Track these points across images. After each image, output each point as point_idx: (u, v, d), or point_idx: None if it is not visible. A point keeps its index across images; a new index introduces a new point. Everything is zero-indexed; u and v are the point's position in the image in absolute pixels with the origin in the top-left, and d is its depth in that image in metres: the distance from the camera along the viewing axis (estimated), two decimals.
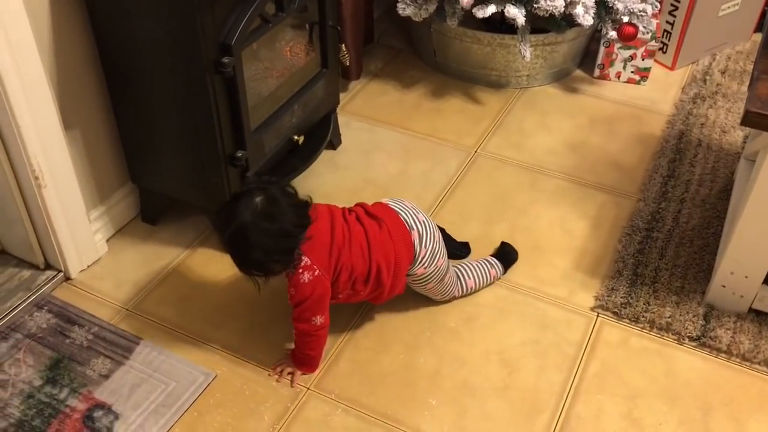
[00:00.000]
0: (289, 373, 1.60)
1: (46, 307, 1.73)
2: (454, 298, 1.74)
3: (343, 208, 1.61)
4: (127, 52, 1.63)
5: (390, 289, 1.59)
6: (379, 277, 1.55)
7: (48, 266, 1.81)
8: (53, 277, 1.79)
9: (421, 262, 1.59)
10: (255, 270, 1.48)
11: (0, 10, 1.43)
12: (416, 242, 1.57)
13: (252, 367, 1.62)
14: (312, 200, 1.52)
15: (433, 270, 1.62)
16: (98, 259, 1.86)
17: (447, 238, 1.82)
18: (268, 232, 1.42)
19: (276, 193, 1.46)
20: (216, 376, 1.60)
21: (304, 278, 1.48)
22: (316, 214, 1.51)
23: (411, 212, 1.61)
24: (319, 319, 1.53)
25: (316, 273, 1.48)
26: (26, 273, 1.79)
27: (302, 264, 1.47)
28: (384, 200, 1.65)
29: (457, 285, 1.72)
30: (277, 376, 1.60)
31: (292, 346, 1.61)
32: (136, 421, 1.50)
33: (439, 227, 1.68)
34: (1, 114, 1.54)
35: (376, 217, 1.58)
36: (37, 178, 1.63)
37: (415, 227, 1.58)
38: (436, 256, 1.61)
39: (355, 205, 1.64)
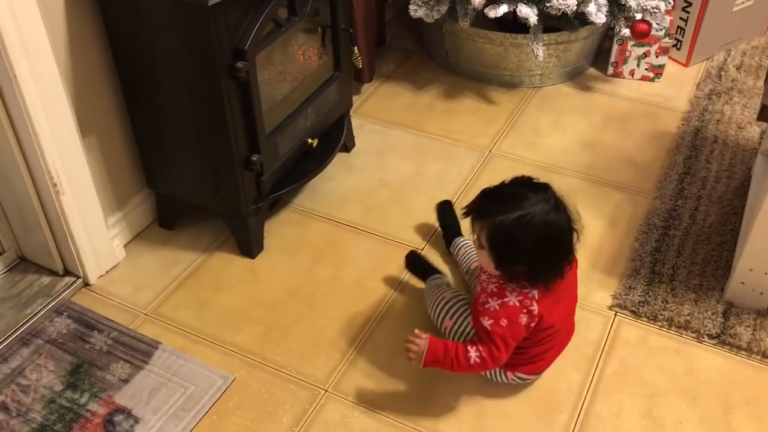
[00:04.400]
0: (414, 353, 1.42)
1: (65, 313, 1.74)
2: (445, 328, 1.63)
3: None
4: (142, 58, 1.64)
5: (502, 360, 1.45)
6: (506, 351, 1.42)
7: (67, 272, 1.82)
8: (72, 283, 1.80)
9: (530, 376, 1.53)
10: (503, 259, 1.36)
11: (16, 17, 1.44)
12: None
13: (270, 370, 1.63)
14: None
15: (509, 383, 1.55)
16: (116, 264, 1.88)
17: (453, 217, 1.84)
18: (552, 232, 1.34)
19: (562, 200, 1.37)
20: (234, 380, 1.60)
21: (522, 320, 1.37)
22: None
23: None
24: (503, 359, 1.41)
25: (532, 324, 1.39)
26: (46, 279, 1.81)
27: (530, 308, 1.37)
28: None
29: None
30: (407, 346, 1.43)
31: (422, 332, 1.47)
32: (156, 425, 1.51)
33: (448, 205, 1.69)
34: (19, 121, 1.56)
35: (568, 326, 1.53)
36: (55, 185, 1.65)
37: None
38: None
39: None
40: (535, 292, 1.39)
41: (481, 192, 1.42)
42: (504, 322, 1.38)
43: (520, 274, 1.37)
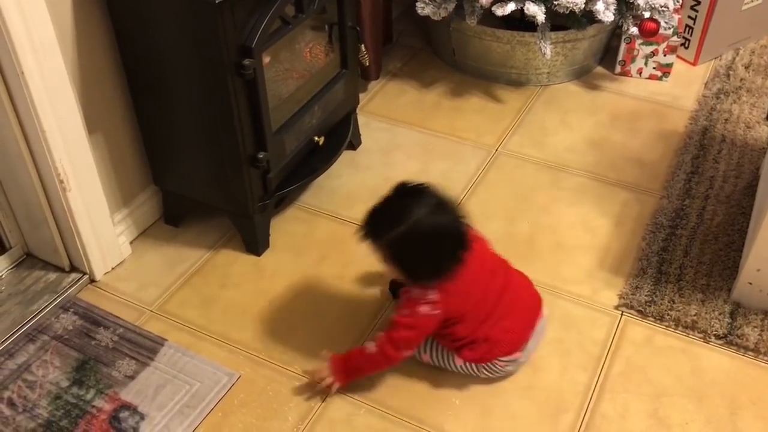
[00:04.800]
0: (327, 385, 1.53)
1: (71, 309, 1.75)
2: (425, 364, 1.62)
3: (495, 254, 1.55)
4: (149, 56, 1.64)
5: (468, 358, 1.52)
6: (462, 347, 1.50)
7: (73, 268, 1.83)
8: (78, 280, 1.81)
9: (488, 360, 1.52)
10: (409, 269, 1.43)
11: (24, 13, 1.44)
12: (509, 357, 1.51)
13: (276, 367, 1.63)
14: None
15: (475, 370, 1.54)
16: (122, 261, 1.88)
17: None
18: (442, 233, 1.39)
19: (444, 197, 1.42)
20: (240, 377, 1.60)
21: (422, 310, 1.43)
22: (473, 243, 1.44)
23: (536, 342, 1.56)
24: (407, 353, 1.49)
25: (435, 312, 1.43)
26: (52, 275, 1.82)
27: (429, 298, 1.42)
28: (543, 313, 1.58)
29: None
30: (316, 383, 1.55)
31: (328, 352, 1.56)
32: (162, 422, 1.52)
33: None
34: (26, 117, 1.56)
35: (526, 308, 1.53)
36: (61, 182, 1.65)
37: (524, 353, 1.53)
38: (493, 372, 1.54)
39: (524, 276, 1.60)
40: (435, 283, 1.43)
41: (368, 213, 1.46)
42: (406, 311, 1.46)
43: (426, 275, 1.43)
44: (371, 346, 1.50)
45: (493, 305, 1.50)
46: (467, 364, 1.53)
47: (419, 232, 1.38)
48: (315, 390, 1.57)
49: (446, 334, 1.50)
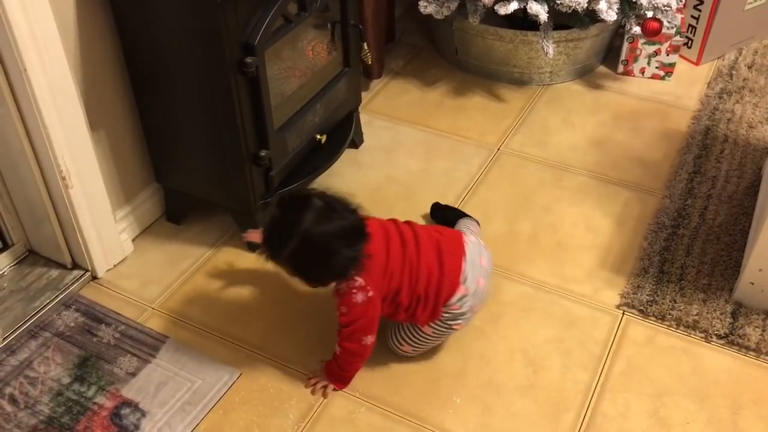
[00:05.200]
0: (322, 387, 1.57)
1: (73, 306, 1.75)
2: (411, 356, 1.64)
3: (398, 224, 1.55)
4: (151, 53, 1.64)
5: (427, 318, 1.54)
6: (413, 306, 1.52)
7: (75, 266, 1.83)
8: (80, 277, 1.81)
9: (444, 310, 1.52)
10: (314, 278, 1.46)
11: (27, 10, 1.45)
12: (456, 296, 1.51)
13: (277, 365, 1.63)
14: (363, 210, 1.48)
15: (446, 327, 1.55)
16: (124, 258, 1.88)
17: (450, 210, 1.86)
18: (333, 236, 1.40)
19: (329, 198, 1.44)
20: (241, 375, 1.61)
21: (357, 299, 1.45)
22: (370, 230, 1.46)
23: (477, 270, 1.54)
24: (369, 339, 1.50)
25: (370, 294, 1.45)
26: (54, 272, 1.82)
27: (356, 284, 1.44)
28: (468, 237, 1.58)
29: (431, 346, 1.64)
30: (311, 388, 1.58)
31: (326, 358, 1.60)
32: (163, 419, 1.52)
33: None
34: (28, 114, 1.56)
35: (439, 250, 1.52)
36: (64, 179, 1.65)
37: (467, 284, 1.51)
38: (458, 319, 1.54)
39: (433, 226, 1.60)
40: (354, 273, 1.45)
41: (263, 233, 1.48)
42: (343, 309, 1.47)
43: (333, 277, 1.46)
44: (337, 348, 1.54)
45: (416, 264, 1.50)
46: (433, 326, 1.54)
47: (311, 240, 1.39)
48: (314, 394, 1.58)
49: (397, 307, 1.51)
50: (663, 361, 1.63)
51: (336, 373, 1.57)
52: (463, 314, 1.54)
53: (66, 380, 1.59)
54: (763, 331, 1.66)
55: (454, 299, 1.51)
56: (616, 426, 1.51)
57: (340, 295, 1.47)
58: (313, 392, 1.58)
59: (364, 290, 1.45)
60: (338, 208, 1.43)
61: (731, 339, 1.65)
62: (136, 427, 1.50)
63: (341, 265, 1.42)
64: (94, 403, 1.55)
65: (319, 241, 1.40)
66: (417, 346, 1.59)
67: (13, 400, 1.56)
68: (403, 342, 1.60)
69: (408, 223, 1.57)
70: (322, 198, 1.43)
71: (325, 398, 1.57)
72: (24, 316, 1.71)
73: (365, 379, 1.60)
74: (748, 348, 1.64)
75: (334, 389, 1.58)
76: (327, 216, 1.41)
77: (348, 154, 2.18)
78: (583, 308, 1.75)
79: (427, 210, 2.00)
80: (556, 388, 1.58)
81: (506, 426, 1.51)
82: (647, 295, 1.75)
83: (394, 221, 1.56)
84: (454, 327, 1.56)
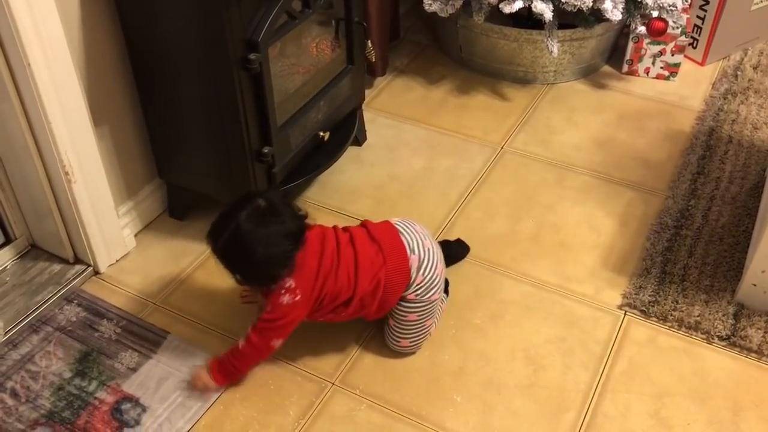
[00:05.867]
0: (200, 382, 1.54)
1: (75, 301, 1.75)
2: (414, 351, 1.64)
3: (337, 230, 1.55)
4: (155, 49, 1.64)
5: (377, 310, 1.55)
6: (362, 302, 1.52)
7: (77, 260, 1.83)
8: (82, 272, 1.81)
9: (414, 288, 1.53)
10: (244, 276, 1.47)
11: (31, 4, 1.45)
12: (413, 267, 1.52)
13: (277, 361, 1.63)
14: (310, 217, 1.49)
15: (425, 303, 1.55)
16: (126, 253, 1.88)
17: (445, 243, 1.84)
18: (266, 236, 1.40)
19: (276, 200, 1.45)
20: None
21: (283, 300, 1.45)
22: (309, 236, 1.47)
23: (418, 236, 1.54)
24: (277, 343, 1.51)
25: (297, 298, 1.46)
26: (56, 267, 1.82)
27: (286, 286, 1.44)
28: (393, 219, 1.59)
29: (428, 333, 1.64)
30: (195, 385, 1.56)
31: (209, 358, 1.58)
32: (164, 414, 1.52)
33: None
34: (32, 109, 1.57)
35: (374, 239, 1.53)
36: (67, 174, 1.65)
37: (416, 252, 1.52)
38: (431, 289, 1.54)
39: (361, 223, 1.59)
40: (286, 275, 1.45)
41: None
42: (269, 308, 1.48)
43: (261, 279, 1.47)
44: (241, 341, 1.51)
45: (354, 262, 1.49)
46: (412, 310, 1.55)
47: (240, 237, 1.40)
48: (196, 390, 1.56)
49: (347, 306, 1.51)
50: (664, 362, 1.62)
51: (226, 366, 1.53)
52: (432, 281, 1.54)
53: (67, 375, 1.59)
54: (765, 332, 1.66)
55: (412, 271, 1.51)
56: (616, 426, 1.51)
57: (269, 294, 1.47)
58: (194, 385, 1.56)
59: (292, 293, 1.45)
60: (282, 212, 1.44)
61: (733, 340, 1.65)
62: (137, 422, 1.51)
63: (266, 266, 1.42)
64: (95, 398, 1.55)
65: (247, 240, 1.40)
66: (412, 336, 1.59)
67: (14, 393, 1.56)
68: (398, 338, 1.60)
69: (345, 228, 1.57)
70: (268, 200, 1.43)
71: (208, 393, 1.55)
72: (26, 310, 1.72)
73: (366, 376, 1.60)
74: (749, 350, 1.64)
75: (217, 387, 1.55)
76: (264, 217, 1.41)
77: (351, 151, 2.18)
78: (585, 308, 1.74)
79: (430, 208, 2.00)
80: (557, 388, 1.58)
81: (507, 425, 1.51)
82: (649, 295, 1.75)
83: (334, 228, 1.57)
84: (433, 299, 1.55)
